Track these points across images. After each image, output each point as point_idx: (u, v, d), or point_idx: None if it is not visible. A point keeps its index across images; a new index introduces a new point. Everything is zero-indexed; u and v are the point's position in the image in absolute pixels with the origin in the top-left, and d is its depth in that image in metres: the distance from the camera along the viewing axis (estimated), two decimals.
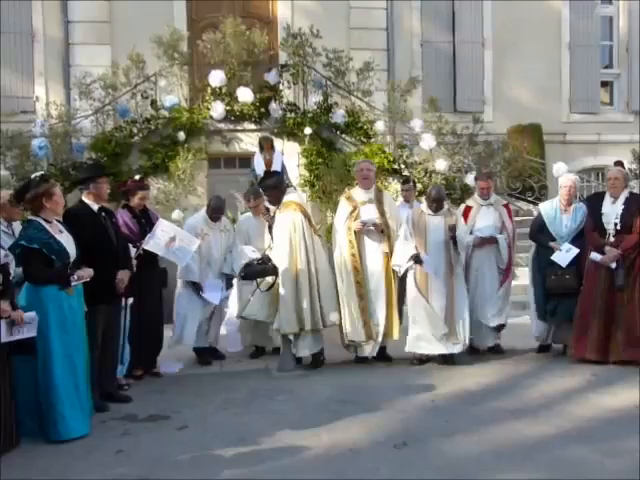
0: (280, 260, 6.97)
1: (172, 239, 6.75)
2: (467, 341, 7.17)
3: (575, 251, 7.09)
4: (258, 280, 6.97)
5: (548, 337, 7.41)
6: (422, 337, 7.06)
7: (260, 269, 6.93)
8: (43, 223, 5.31)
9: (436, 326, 6.99)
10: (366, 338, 7.18)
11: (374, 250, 7.21)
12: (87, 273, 5.46)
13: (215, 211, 7.71)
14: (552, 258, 7.17)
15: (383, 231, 7.20)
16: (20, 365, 5.14)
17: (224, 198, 7.99)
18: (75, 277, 5.33)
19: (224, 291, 7.67)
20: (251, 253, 7.05)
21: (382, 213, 7.27)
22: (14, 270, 5.21)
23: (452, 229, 7.03)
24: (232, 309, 8.00)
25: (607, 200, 7.06)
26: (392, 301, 7.21)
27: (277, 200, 7.24)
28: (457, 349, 7.10)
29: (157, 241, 6.67)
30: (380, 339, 7.22)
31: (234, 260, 7.60)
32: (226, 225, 7.88)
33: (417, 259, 6.98)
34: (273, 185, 7.33)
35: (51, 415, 5.20)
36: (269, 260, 6.95)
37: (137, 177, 7.48)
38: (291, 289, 6.97)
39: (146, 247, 6.64)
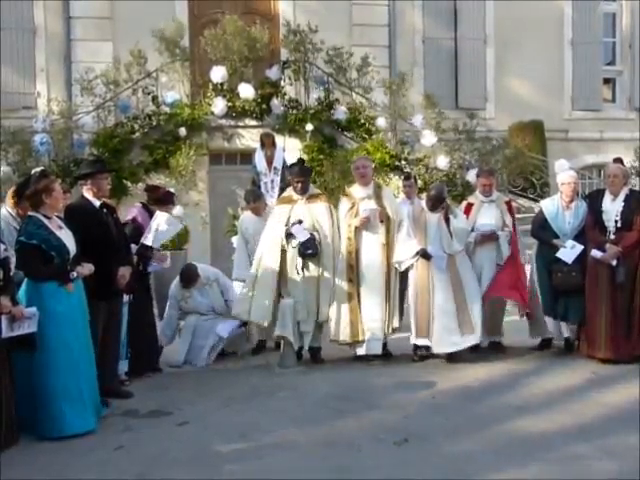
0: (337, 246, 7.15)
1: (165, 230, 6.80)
2: (479, 332, 7.08)
3: (580, 247, 7.06)
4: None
5: (561, 332, 7.36)
6: (423, 334, 7.05)
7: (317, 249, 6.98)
8: (42, 219, 5.29)
9: (440, 323, 6.96)
10: (351, 339, 7.13)
11: (372, 245, 7.17)
12: (87, 269, 5.45)
13: (184, 281, 7.54)
14: (557, 255, 7.15)
15: (383, 221, 7.18)
16: (17, 361, 5.13)
17: (195, 266, 7.70)
18: (74, 274, 5.32)
19: (235, 328, 7.61)
20: (301, 235, 6.97)
21: (382, 208, 7.25)
22: (14, 269, 5.21)
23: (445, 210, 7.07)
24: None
25: (607, 197, 7.04)
26: (389, 295, 7.18)
27: (306, 189, 7.26)
28: (470, 341, 7.04)
29: (154, 235, 6.69)
30: (380, 334, 7.15)
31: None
32: (209, 277, 7.67)
33: (425, 254, 6.98)
34: (307, 171, 7.43)
35: (50, 412, 5.17)
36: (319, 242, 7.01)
37: (172, 190, 7.66)
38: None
39: (145, 242, 6.65)
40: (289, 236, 7.03)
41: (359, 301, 7.13)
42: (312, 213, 7.16)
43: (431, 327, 6.98)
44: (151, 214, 6.95)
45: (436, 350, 7.08)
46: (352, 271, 7.15)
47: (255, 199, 8.07)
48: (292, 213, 7.15)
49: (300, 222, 7.00)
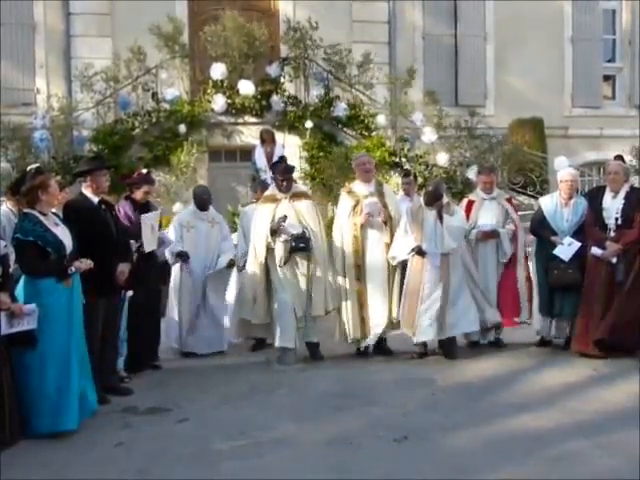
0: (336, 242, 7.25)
1: (153, 227, 6.74)
2: (472, 327, 7.14)
3: (577, 245, 7.07)
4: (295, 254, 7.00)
5: (550, 331, 7.38)
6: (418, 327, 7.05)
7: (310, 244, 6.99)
8: (38, 216, 5.27)
9: (428, 317, 6.96)
10: (361, 335, 7.18)
11: (377, 243, 7.20)
12: (85, 264, 5.44)
13: (200, 198, 7.70)
14: (554, 252, 7.15)
15: (386, 223, 7.19)
16: (13, 356, 5.11)
17: (209, 190, 7.98)
18: (72, 269, 5.31)
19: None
20: (295, 228, 6.98)
21: (384, 205, 7.25)
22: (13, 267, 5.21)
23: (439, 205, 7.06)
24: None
25: (608, 194, 7.04)
26: (390, 289, 7.20)
27: (290, 187, 7.25)
28: (448, 335, 7.06)
29: (148, 240, 6.63)
30: (381, 329, 7.19)
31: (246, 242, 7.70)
32: (214, 217, 7.82)
33: (420, 251, 6.97)
34: (292, 169, 7.42)
35: (45, 407, 5.15)
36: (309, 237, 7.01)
37: (144, 171, 7.41)
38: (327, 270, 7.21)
39: (147, 250, 6.63)
40: (274, 233, 7.02)
41: (366, 298, 7.16)
42: (297, 211, 7.14)
43: (416, 319, 6.98)
44: (136, 206, 6.90)
45: (415, 339, 7.08)
46: (359, 270, 7.16)
47: (262, 189, 8.12)
48: (277, 212, 7.10)
49: (285, 217, 6.99)
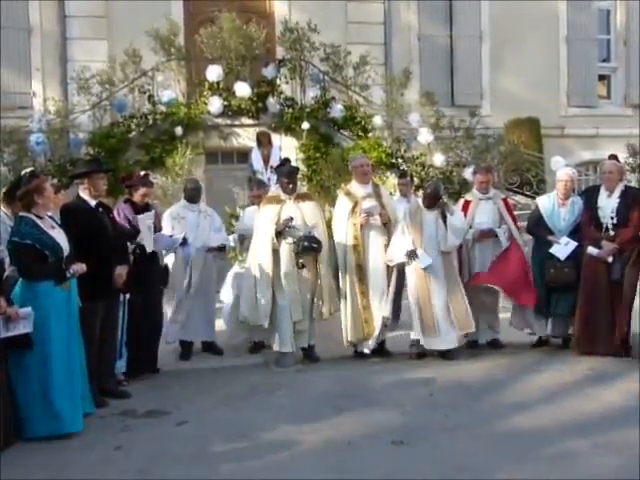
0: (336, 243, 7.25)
1: (149, 227, 6.74)
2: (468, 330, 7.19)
3: (573, 244, 7.09)
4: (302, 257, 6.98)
5: (546, 330, 7.40)
6: (422, 333, 7.07)
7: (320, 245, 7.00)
8: (35, 219, 5.27)
9: (434, 325, 6.99)
10: (366, 335, 7.18)
11: (377, 244, 7.21)
12: (81, 267, 5.44)
13: (189, 191, 7.79)
14: (550, 251, 7.18)
15: (386, 224, 7.20)
16: (12, 359, 5.12)
17: (200, 183, 8.12)
18: (71, 271, 5.32)
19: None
20: (300, 230, 6.99)
21: (382, 206, 7.27)
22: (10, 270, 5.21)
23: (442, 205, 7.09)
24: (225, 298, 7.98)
25: (603, 194, 7.07)
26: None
27: (296, 189, 7.26)
28: (452, 344, 7.10)
29: (148, 240, 6.63)
30: (378, 332, 7.21)
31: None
32: (206, 210, 7.88)
33: (412, 254, 6.98)
34: (297, 170, 7.46)
35: (45, 410, 5.15)
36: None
37: (142, 173, 7.40)
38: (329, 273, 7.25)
39: (149, 250, 6.63)
40: (279, 234, 7.00)
41: (369, 300, 7.17)
42: (302, 212, 7.14)
43: (436, 325, 7.01)
44: (135, 207, 6.88)
45: (437, 347, 7.12)
46: (361, 270, 7.17)
47: (259, 187, 8.15)
48: (282, 212, 7.09)
49: (291, 219, 6.98)
